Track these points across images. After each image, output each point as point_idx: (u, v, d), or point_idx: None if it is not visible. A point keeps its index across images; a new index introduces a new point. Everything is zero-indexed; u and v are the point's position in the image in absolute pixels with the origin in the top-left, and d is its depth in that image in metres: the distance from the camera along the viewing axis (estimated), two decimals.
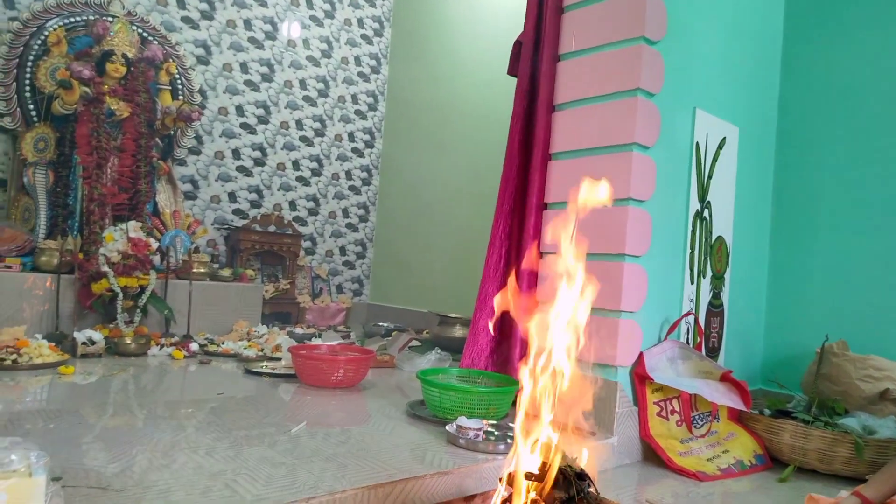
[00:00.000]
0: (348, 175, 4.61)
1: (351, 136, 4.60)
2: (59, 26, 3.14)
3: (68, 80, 2.94)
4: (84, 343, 2.45)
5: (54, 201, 2.98)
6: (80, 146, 2.93)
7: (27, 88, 3.05)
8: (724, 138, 2.18)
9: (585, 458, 1.02)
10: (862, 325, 2.18)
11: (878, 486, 1.38)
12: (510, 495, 0.99)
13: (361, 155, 4.67)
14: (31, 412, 1.68)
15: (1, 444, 0.94)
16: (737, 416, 2.01)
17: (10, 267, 2.67)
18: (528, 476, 0.94)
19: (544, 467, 0.95)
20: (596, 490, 0.96)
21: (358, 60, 4.62)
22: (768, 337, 2.46)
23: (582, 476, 0.96)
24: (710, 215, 2.13)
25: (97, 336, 2.49)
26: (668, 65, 1.88)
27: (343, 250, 4.62)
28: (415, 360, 2.72)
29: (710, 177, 2.13)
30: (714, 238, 2.16)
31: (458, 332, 3.18)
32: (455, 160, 4.09)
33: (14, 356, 2.19)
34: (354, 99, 4.61)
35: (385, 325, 3.78)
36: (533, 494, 0.95)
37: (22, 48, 3.05)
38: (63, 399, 1.90)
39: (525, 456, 1.00)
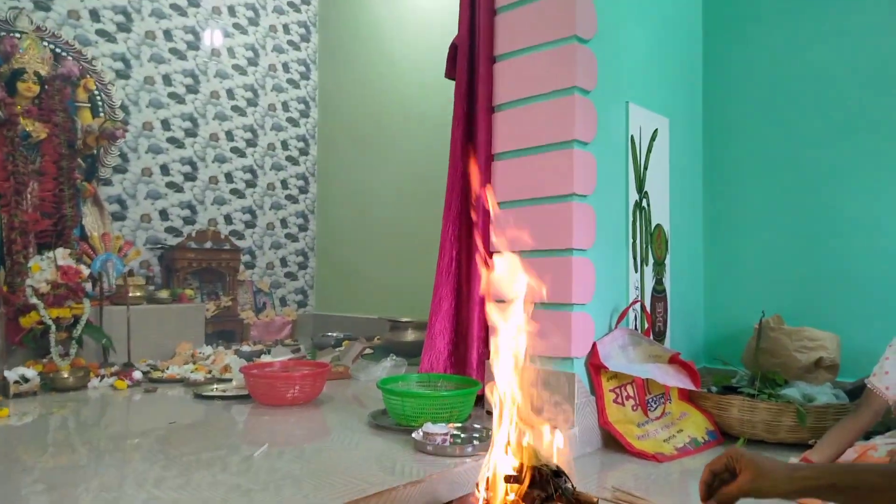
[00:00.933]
0: (284, 184, 4.51)
1: (284, 145, 4.51)
2: None
3: None
4: (17, 382, 2.30)
5: None
6: None
7: None
8: (657, 130, 2.27)
9: (559, 444, 1.03)
10: (794, 299, 2.32)
11: (825, 451, 1.48)
12: (489, 499, 1.00)
13: (296, 163, 4.59)
14: None
15: None
16: (687, 396, 2.09)
17: None
18: (507, 479, 0.95)
19: (521, 469, 0.96)
20: (573, 485, 0.99)
21: (286, 67, 4.53)
22: (709, 317, 2.58)
23: (558, 473, 0.98)
24: (649, 205, 2.21)
25: (30, 373, 2.34)
26: (600, 62, 1.94)
27: (284, 261, 4.52)
28: (370, 368, 2.70)
29: (646, 168, 2.20)
30: (653, 226, 2.24)
31: (411, 335, 3.18)
32: (394, 163, 4.08)
33: None
34: (285, 106, 4.52)
35: (334, 335, 3.73)
36: (512, 496, 0.96)
37: None
38: None
39: (500, 458, 1.01)
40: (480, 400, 1.99)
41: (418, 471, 1.42)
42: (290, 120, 4.54)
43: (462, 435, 1.63)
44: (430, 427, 1.63)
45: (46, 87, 2.95)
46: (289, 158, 4.54)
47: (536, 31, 1.94)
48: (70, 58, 3.23)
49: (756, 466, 0.88)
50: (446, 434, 1.60)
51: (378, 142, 4.21)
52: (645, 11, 2.22)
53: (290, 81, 4.55)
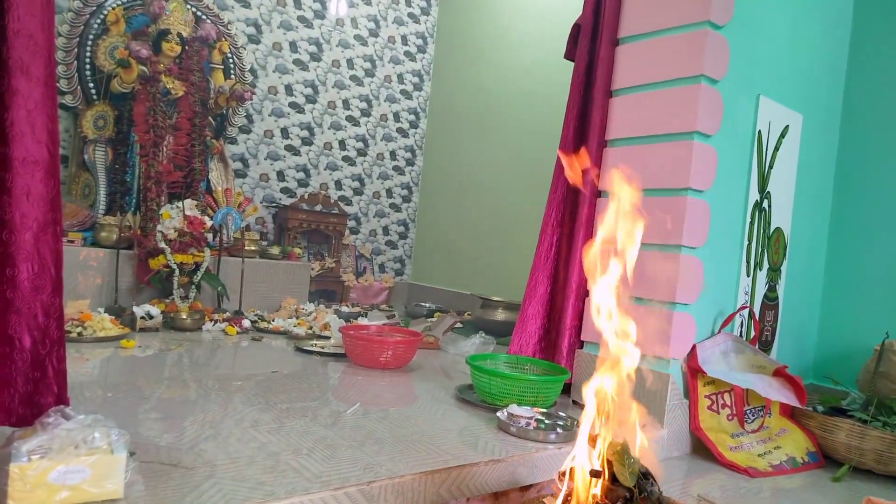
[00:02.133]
0: (393, 155, 4.62)
1: (396, 116, 4.61)
2: (118, 5, 3.20)
3: (127, 59, 3.01)
4: (143, 317, 2.54)
5: (113, 178, 3.07)
6: (137, 124, 3.00)
7: (87, 67, 3.14)
8: (787, 126, 2.11)
9: (644, 444, 1.01)
10: None
11: None
12: (570, 491, 0.99)
13: (406, 135, 4.68)
14: (94, 383, 1.76)
15: (84, 422, 0.99)
16: (790, 413, 1.97)
17: (72, 241, 2.77)
18: (593, 473, 0.95)
19: (608, 465, 0.95)
20: (659, 489, 0.96)
21: (405, 39, 4.60)
22: (823, 332, 2.40)
23: (646, 475, 0.96)
24: (770, 206, 2.07)
25: (155, 311, 2.57)
26: (733, 50, 1.82)
27: (386, 230, 4.66)
28: (459, 342, 2.75)
29: (770, 166, 2.06)
30: (772, 230, 2.10)
31: (501, 315, 3.19)
32: (500, 142, 4.06)
33: (79, 329, 2.29)
34: (400, 79, 4.60)
35: (427, 305, 3.81)
36: (595, 491, 0.96)
37: (82, 27, 3.13)
38: (122, 371, 1.98)
39: (586, 451, 1.00)
40: (567, 389, 1.98)
41: (500, 450, 1.44)
42: (403, 92, 4.62)
43: (546, 421, 1.63)
44: (515, 409, 1.64)
45: (187, 47, 3.18)
46: (399, 130, 4.63)
47: (667, 13, 1.85)
48: (209, 21, 3.45)
49: None
50: (531, 418, 1.60)
51: (487, 119, 4.20)
52: None
53: (406, 54, 4.62)
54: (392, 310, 3.93)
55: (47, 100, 1.07)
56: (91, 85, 3.15)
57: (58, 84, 2.94)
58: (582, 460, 0.98)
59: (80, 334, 2.27)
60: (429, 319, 3.34)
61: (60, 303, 1.11)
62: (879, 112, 2.30)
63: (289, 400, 1.72)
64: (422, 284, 4.61)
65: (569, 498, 0.99)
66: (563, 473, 1.00)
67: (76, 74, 3.12)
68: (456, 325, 3.08)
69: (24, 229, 1.04)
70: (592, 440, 1.01)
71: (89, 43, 3.14)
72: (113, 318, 2.45)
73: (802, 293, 2.30)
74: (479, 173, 4.21)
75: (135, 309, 2.58)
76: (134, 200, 2.99)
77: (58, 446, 0.96)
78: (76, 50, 3.12)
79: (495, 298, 3.29)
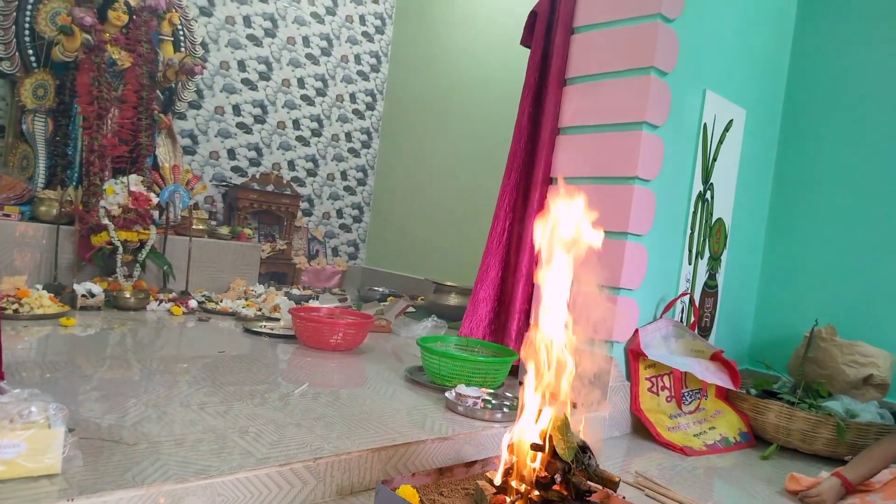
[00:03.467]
0: (348, 137, 4.57)
1: (353, 98, 4.55)
2: None
3: (69, 26, 2.87)
4: (84, 295, 2.46)
5: (53, 150, 2.94)
6: (80, 95, 2.88)
7: (27, 33, 2.98)
8: (732, 120, 2.19)
9: (584, 421, 1.05)
10: (851, 312, 2.23)
11: (858, 468, 1.44)
12: (512, 464, 1.02)
13: (362, 117, 4.63)
14: (31, 362, 1.70)
15: (20, 396, 0.96)
16: (725, 395, 2.07)
17: (8, 215, 2.65)
18: (534, 446, 0.98)
19: (548, 439, 0.99)
20: (596, 462, 1.00)
21: (363, 20, 4.54)
22: (759, 319, 2.52)
23: (584, 449, 0.99)
24: (712, 197, 2.16)
25: (97, 289, 2.49)
26: (682, 44, 1.88)
27: (340, 213, 4.62)
28: (411, 326, 2.76)
29: (714, 159, 2.14)
30: (714, 220, 2.19)
31: (454, 300, 3.22)
32: (458, 127, 4.07)
33: (15, 306, 2.20)
34: (357, 59, 4.54)
35: (381, 290, 3.81)
36: (535, 464, 0.99)
37: None
38: (62, 350, 1.92)
39: (528, 426, 1.03)
40: (514, 371, 2.02)
41: (447, 429, 1.46)
42: (360, 73, 4.57)
43: (493, 401, 1.66)
44: (462, 389, 1.67)
45: (134, 17, 3.06)
46: (355, 112, 4.58)
47: (620, 4, 1.89)
48: None
49: None
50: (478, 398, 1.64)
51: (444, 104, 4.20)
52: None
53: (364, 35, 4.56)
54: (344, 293, 3.91)
55: None
56: (31, 52, 3.00)
57: None
58: (522, 434, 1.01)
59: (16, 311, 2.18)
60: (382, 304, 3.34)
61: None
62: (819, 109, 2.41)
63: (237, 382, 1.70)
64: (376, 269, 4.60)
65: (510, 471, 1.02)
66: (509, 447, 1.03)
67: (14, 40, 2.96)
68: (408, 309, 3.09)
69: None
70: (535, 415, 1.04)
71: (29, 7, 2.98)
72: (52, 295, 2.36)
73: (741, 281, 2.41)
74: (436, 158, 4.22)
75: (75, 286, 2.49)
76: (76, 174, 2.88)
77: None
78: (14, 14, 2.95)
79: (448, 283, 3.31)
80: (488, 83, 3.84)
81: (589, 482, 0.99)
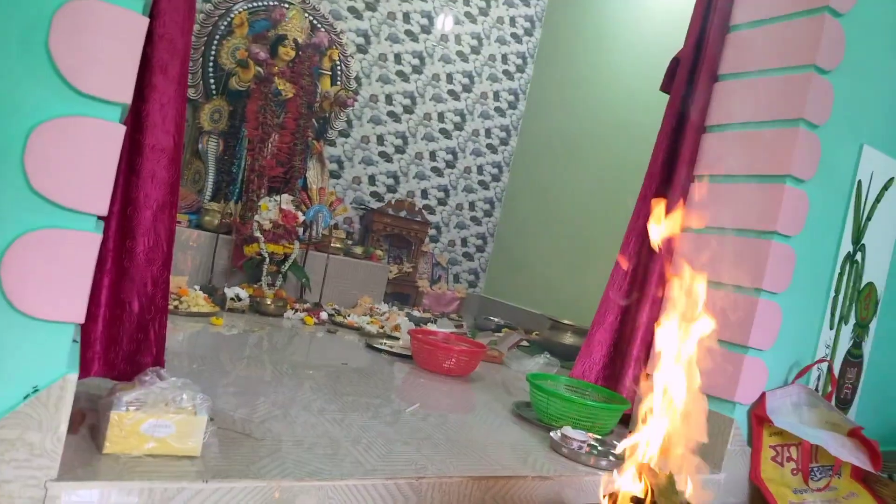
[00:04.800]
0: (480, 170, 4.71)
1: (488, 133, 4.69)
2: (244, 10, 3.48)
3: (246, 59, 3.26)
4: (232, 299, 2.73)
5: (221, 168, 3.32)
6: (248, 120, 3.24)
7: (210, 64, 3.42)
8: (892, 179, 2.01)
9: (692, 485, 1.02)
10: None
11: None
12: None
13: (495, 152, 4.76)
14: (182, 353, 1.93)
15: (175, 384, 1.11)
16: (861, 477, 1.87)
17: (179, 222, 3.02)
18: (634, 500, 0.96)
19: (650, 493, 0.97)
20: None
21: (505, 58, 4.69)
22: None
23: None
24: (863, 259, 1.98)
25: (244, 294, 2.76)
26: (838, 95, 1.77)
27: (465, 242, 4.74)
28: (523, 360, 2.77)
29: (868, 218, 1.97)
30: (864, 284, 2.01)
31: (569, 339, 3.18)
32: (587, 168, 4.06)
33: (176, 303, 2.50)
34: (496, 96, 4.69)
35: (496, 320, 3.85)
36: None
37: (210, 28, 3.41)
38: (209, 346, 2.15)
39: (631, 477, 1.02)
40: (625, 420, 1.97)
41: (549, 468, 1.46)
42: (497, 109, 4.71)
43: (600, 447, 1.63)
44: (569, 431, 1.66)
45: (300, 52, 3.40)
46: (489, 146, 4.72)
47: (770, 53, 1.82)
48: (323, 29, 3.67)
49: None
50: (584, 441, 1.62)
51: (577, 143, 4.20)
52: None
53: (505, 73, 4.70)
54: (461, 320, 3.99)
55: (179, 97, 1.21)
56: (212, 81, 3.43)
57: None
58: (626, 485, 1.00)
59: (175, 307, 2.48)
60: (496, 334, 3.38)
61: (168, 276, 1.24)
62: None
63: (354, 393, 1.81)
64: (493, 299, 4.65)
65: None
66: (608, 496, 1.02)
67: (200, 70, 3.41)
68: (522, 343, 3.11)
69: (146, 208, 1.18)
70: (641, 468, 1.02)
71: (215, 42, 3.42)
72: (206, 296, 2.66)
73: (892, 354, 2.17)
74: (563, 196, 4.22)
75: (226, 290, 2.78)
76: (237, 190, 3.23)
77: (151, 401, 1.08)
78: (203, 48, 3.40)
79: (565, 321, 3.29)
80: (622, 126, 3.80)
81: None
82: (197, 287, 2.77)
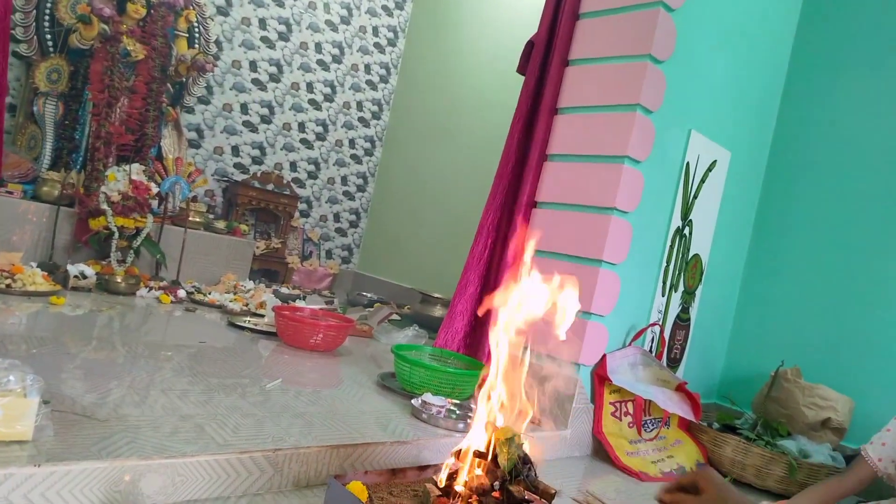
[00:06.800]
0: (352, 144, 4.66)
1: (359, 106, 4.65)
2: None
3: (88, 15, 2.97)
4: (76, 276, 2.53)
5: (61, 133, 3.02)
6: (92, 82, 2.97)
7: (46, 18, 3.08)
8: (715, 161, 2.26)
9: (527, 445, 1.11)
10: (817, 356, 2.29)
11: (799, 502, 1.50)
12: (458, 469, 1.09)
13: (367, 125, 4.72)
14: (18, 336, 1.77)
15: (0, 365, 1.02)
16: (686, 426, 2.12)
17: (11, 193, 2.73)
18: (476, 454, 1.04)
19: (491, 448, 1.05)
20: (535, 475, 1.07)
21: (376, 31, 4.64)
22: (730, 356, 2.58)
23: (525, 461, 1.06)
24: (690, 233, 2.22)
25: (89, 271, 2.56)
26: (671, 83, 1.95)
27: (337, 217, 4.69)
28: (392, 333, 2.82)
29: (695, 196, 2.21)
30: (691, 255, 2.25)
31: (439, 311, 3.28)
32: (458, 145, 4.16)
33: (8, 281, 2.27)
34: (367, 69, 4.64)
35: (368, 295, 3.87)
36: (478, 471, 1.05)
37: None
38: (49, 328, 1.98)
39: (478, 435, 1.09)
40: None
41: (408, 433, 1.52)
42: (369, 83, 4.67)
43: (458, 411, 1.72)
44: (429, 397, 1.73)
45: (152, 11, 3.15)
46: (361, 120, 4.68)
47: (613, 42, 1.97)
48: None
49: (720, 492, 0.93)
50: (443, 406, 1.70)
51: (446, 121, 4.29)
52: (728, 42, 2.20)
53: (376, 45, 4.66)
54: (333, 296, 3.97)
55: None
56: (48, 37, 3.09)
57: (13, 31, 2.89)
58: (472, 442, 1.07)
59: (8, 286, 2.25)
60: (368, 309, 3.40)
61: None
62: (803, 159, 2.49)
63: (218, 374, 1.75)
64: (367, 275, 4.66)
65: (455, 475, 1.08)
66: (457, 452, 1.09)
67: (34, 24, 3.06)
68: (392, 317, 3.15)
69: None
70: (487, 425, 1.10)
71: None
72: (45, 273, 2.43)
73: (714, 317, 2.47)
74: (436, 172, 4.30)
75: (69, 267, 2.56)
76: (80, 159, 2.96)
77: None
78: (36, 0, 3.06)
79: (435, 295, 3.38)
80: (488, 106, 3.93)
81: (527, 492, 1.05)
82: (34, 264, 2.53)
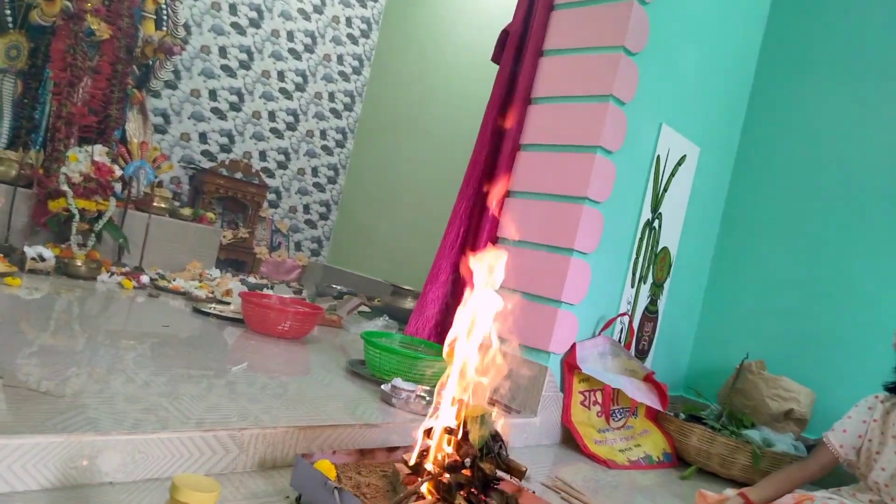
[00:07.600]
0: (323, 135, 4.60)
1: (332, 97, 4.59)
2: None
3: None
4: (34, 258, 2.43)
5: (20, 112, 2.92)
6: (53, 60, 2.87)
7: None
8: (685, 156, 2.29)
9: (501, 419, 1.10)
10: (781, 349, 2.34)
11: (763, 490, 1.52)
12: (428, 447, 1.07)
13: (339, 117, 4.67)
14: None
15: None
16: (653, 416, 2.15)
17: None
18: (447, 430, 1.02)
19: (462, 425, 1.04)
20: (506, 452, 1.06)
21: (349, 21, 4.59)
22: (696, 348, 2.62)
23: (496, 437, 1.05)
24: (660, 226, 2.25)
25: (48, 254, 2.47)
26: (643, 76, 1.97)
27: (307, 209, 4.63)
28: (362, 323, 2.79)
29: (665, 190, 2.24)
30: (660, 248, 2.28)
31: (409, 303, 3.25)
32: (428, 137, 4.14)
33: None
34: (340, 59, 4.59)
35: (338, 287, 3.82)
36: (449, 448, 1.04)
37: None
38: (4, 310, 1.90)
39: (446, 413, 1.08)
40: None
41: (377, 417, 1.50)
42: (342, 74, 4.62)
43: (427, 397, 1.70)
44: (399, 382, 1.71)
45: None
46: (332, 111, 4.62)
47: (587, 33, 1.98)
48: None
49: None
50: (412, 392, 1.68)
51: (418, 113, 4.26)
52: (700, 39, 2.24)
53: (349, 37, 4.61)
54: (301, 287, 3.92)
55: None
56: (8, 12, 2.97)
57: None
58: (442, 420, 1.06)
59: None
60: (337, 300, 3.36)
61: None
62: (769, 156, 2.54)
63: (182, 363, 1.68)
64: (337, 267, 4.61)
65: (425, 454, 1.06)
66: (427, 430, 1.08)
67: None
68: (362, 308, 3.12)
69: None
70: (458, 402, 1.09)
71: None
72: (1, 255, 2.34)
73: (682, 310, 2.50)
74: (407, 165, 4.27)
75: (26, 249, 2.47)
76: (40, 138, 2.85)
77: None
78: None
79: (406, 287, 3.35)
80: (461, 96, 3.92)
81: (497, 470, 1.04)
82: None
